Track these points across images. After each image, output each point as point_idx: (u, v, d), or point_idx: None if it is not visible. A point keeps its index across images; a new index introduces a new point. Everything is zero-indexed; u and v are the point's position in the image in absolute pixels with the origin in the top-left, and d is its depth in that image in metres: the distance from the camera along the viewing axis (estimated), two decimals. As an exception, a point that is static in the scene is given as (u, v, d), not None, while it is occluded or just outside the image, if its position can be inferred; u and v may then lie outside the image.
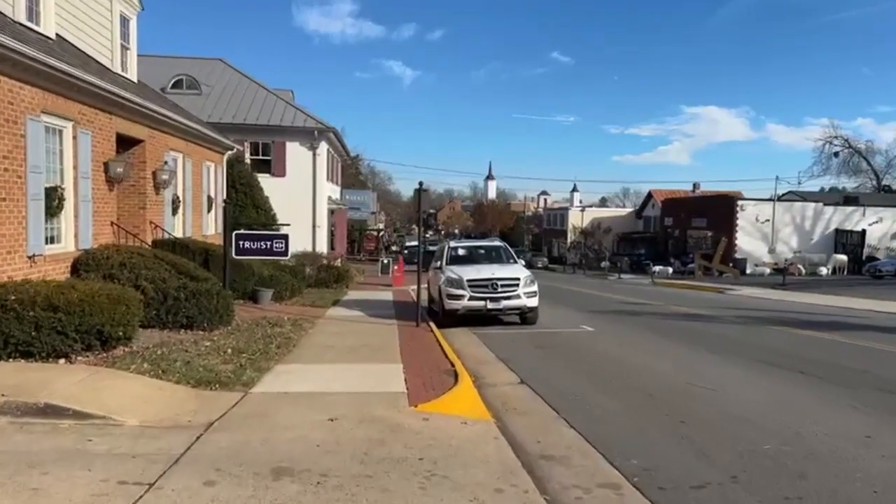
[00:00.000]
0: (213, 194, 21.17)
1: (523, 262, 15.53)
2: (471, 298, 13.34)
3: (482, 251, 16.00)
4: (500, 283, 13.37)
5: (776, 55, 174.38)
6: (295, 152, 26.41)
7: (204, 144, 19.78)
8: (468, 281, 13.42)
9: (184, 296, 10.31)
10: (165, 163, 16.02)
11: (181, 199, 17.81)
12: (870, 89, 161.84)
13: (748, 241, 46.29)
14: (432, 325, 13.20)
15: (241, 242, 11.40)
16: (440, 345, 10.51)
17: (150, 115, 14.88)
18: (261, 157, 26.42)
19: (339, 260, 29.92)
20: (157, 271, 11.34)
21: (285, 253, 11.42)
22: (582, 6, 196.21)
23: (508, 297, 13.37)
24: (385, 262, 34.96)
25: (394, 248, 65.10)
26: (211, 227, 20.51)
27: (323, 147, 26.91)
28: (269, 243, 11.33)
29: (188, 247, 15.65)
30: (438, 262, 15.18)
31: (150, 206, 15.56)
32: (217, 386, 6.90)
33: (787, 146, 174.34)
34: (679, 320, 15.63)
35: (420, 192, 12.64)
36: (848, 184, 69.38)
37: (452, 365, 8.68)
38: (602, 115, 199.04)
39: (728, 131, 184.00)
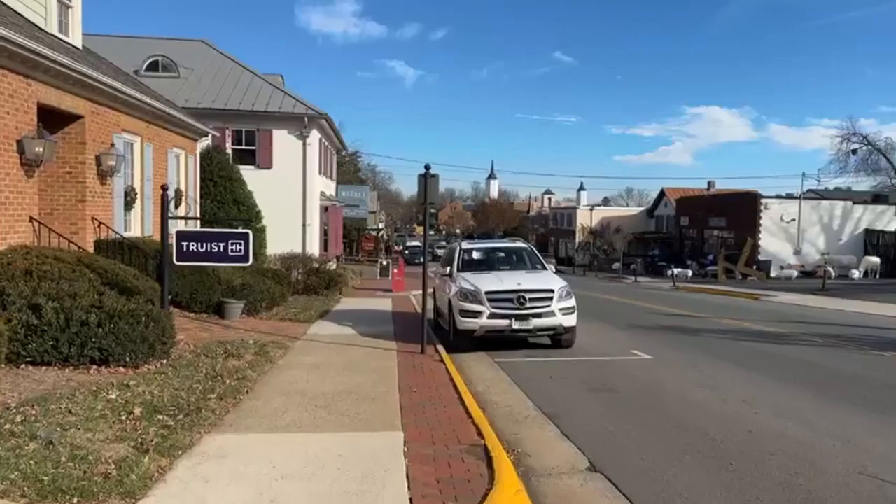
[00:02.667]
0: (182, 187, 18.18)
1: (553, 268, 12.48)
2: (491, 316, 10.33)
3: (502, 254, 12.95)
4: (528, 296, 10.35)
5: (778, 55, 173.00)
6: (283, 141, 23.40)
7: (171, 128, 16.80)
8: (487, 294, 10.41)
9: (95, 319, 7.30)
10: (113, 145, 13.06)
11: (138, 191, 14.86)
12: (872, 90, 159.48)
13: (772, 242, 43.24)
14: (441, 350, 10.21)
15: (184, 244, 8.42)
16: (456, 388, 7.51)
17: (90, 84, 11.90)
18: (244, 147, 23.42)
19: (333, 262, 26.91)
20: (70, 283, 8.35)
21: (245, 258, 8.42)
22: (585, 6, 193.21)
23: (539, 315, 10.35)
24: (384, 263, 32.05)
25: (396, 248, 62.30)
26: (179, 225, 17.50)
27: (314, 136, 23.91)
28: (222, 245, 8.34)
29: (139, 248, 12.73)
30: (448, 268, 12.16)
31: (92, 199, 12.59)
32: (75, 500, 3.90)
33: (789, 146, 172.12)
34: (747, 340, 12.61)
35: (427, 177, 9.63)
36: (865, 182, 66.38)
37: (479, 433, 5.68)
38: (604, 116, 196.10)
39: (730, 131, 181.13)
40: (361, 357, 9.46)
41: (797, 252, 43.40)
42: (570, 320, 10.61)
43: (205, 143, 20.80)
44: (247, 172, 21.50)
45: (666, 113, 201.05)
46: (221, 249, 8.38)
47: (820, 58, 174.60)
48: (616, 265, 49.76)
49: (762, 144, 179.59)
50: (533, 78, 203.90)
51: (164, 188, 8.79)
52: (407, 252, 54.10)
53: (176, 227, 16.68)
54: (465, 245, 13.01)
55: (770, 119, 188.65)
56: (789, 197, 47.51)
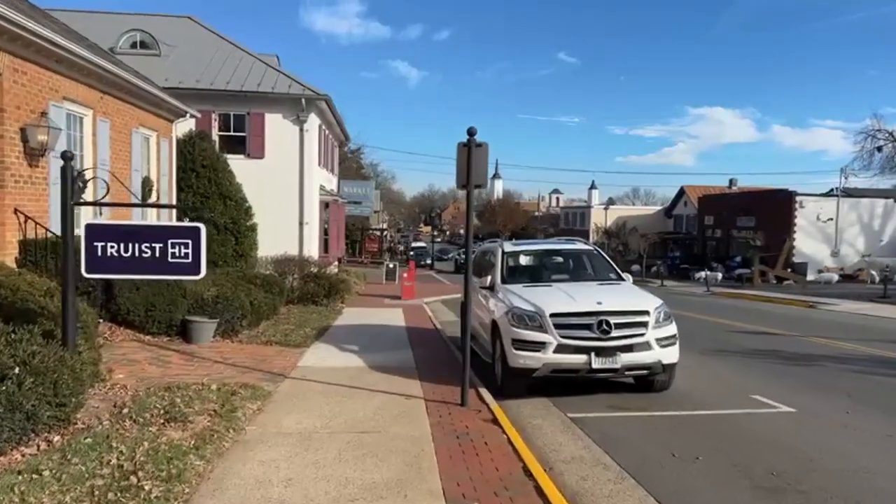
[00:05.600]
0: (153, 176, 15.09)
1: (631, 279, 9.26)
2: (560, 349, 7.16)
3: (558, 259, 9.71)
4: (613, 320, 7.20)
5: (781, 56, 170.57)
6: (277, 127, 20.29)
7: (136, 102, 13.69)
8: (554, 316, 7.25)
9: (-81, 377, 4.20)
10: (44, 114, 9.95)
11: (89, 178, 11.69)
12: (875, 91, 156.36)
13: (807, 244, 40.10)
14: (488, 398, 7.07)
15: (99, 245, 5.28)
16: (541, 493, 4.37)
17: (6, 28, 8.78)
18: (233, 134, 20.33)
19: (335, 265, 23.80)
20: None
21: (194, 268, 5.29)
22: (589, 7, 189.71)
23: (630, 348, 7.18)
24: (390, 266, 29.05)
25: (401, 248, 59.36)
26: (150, 218, 14.42)
27: (313, 121, 20.80)
28: (158, 247, 5.21)
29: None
30: (487, 278, 8.96)
31: (15, 185, 9.49)
32: None
33: (792, 148, 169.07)
34: (887, 374, 9.47)
35: (471, 146, 6.50)
36: (889, 181, 63.32)
37: None
38: (607, 116, 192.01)
39: (733, 132, 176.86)
40: (375, 415, 6.33)
41: (835, 254, 40.28)
42: (672, 355, 7.43)
43: (185, 126, 17.75)
44: (236, 163, 18.47)
45: (669, 114, 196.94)
46: (158, 253, 5.25)
47: (823, 59, 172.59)
48: (635, 267, 46.63)
49: (765, 145, 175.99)
50: (537, 79, 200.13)
51: (68, 157, 5.64)
52: (412, 253, 51.28)
53: (136, 219, 13.58)
54: (509, 247, 9.75)
55: (773, 120, 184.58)
56: (823, 195, 44.25)
